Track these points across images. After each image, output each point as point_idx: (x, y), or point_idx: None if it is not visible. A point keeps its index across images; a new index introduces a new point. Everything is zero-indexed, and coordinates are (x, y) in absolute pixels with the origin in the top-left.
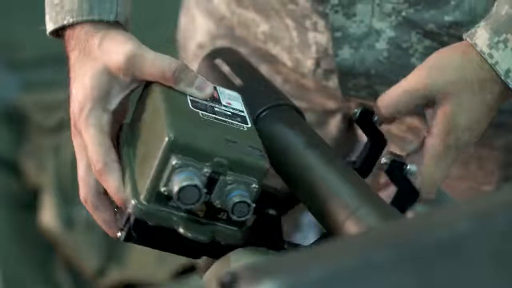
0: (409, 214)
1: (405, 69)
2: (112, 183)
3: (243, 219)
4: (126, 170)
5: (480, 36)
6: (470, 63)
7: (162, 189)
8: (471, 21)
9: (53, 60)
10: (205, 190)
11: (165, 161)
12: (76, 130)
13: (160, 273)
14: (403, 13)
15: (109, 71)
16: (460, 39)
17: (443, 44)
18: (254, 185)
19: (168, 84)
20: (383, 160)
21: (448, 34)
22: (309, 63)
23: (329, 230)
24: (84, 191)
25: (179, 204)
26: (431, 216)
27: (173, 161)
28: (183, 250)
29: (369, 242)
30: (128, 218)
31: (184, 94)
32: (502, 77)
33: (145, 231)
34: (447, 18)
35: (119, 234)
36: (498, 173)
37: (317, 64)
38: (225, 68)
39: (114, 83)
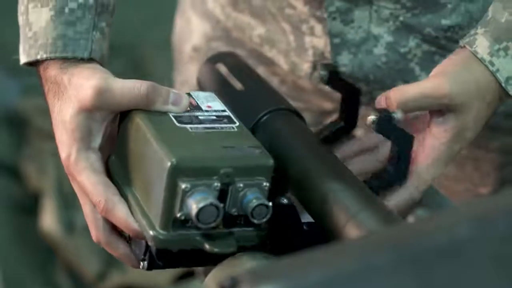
0: (410, 218)
1: (404, 74)
2: (120, 216)
3: (264, 220)
4: (131, 203)
5: (480, 43)
6: (484, 77)
7: (178, 214)
8: (468, 24)
9: None
10: (221, 205)
11: (173, 188)
12: (71, 176)
13: (161, 277)
14: (401, 18)
15: (84, 109)
16: (457, 42)
17: (441, 48)
18: (265, 184)
19: (144, 109)
20: (370, 118)
21: (445, 38)
22: (305, 67)
23: (329, 233)
24: (95, 232)
25: (199, 225)
26: (431, 220)
27: (182, 186)
28: (208, 261)
29: (369, 246)
30: (147, 248)
31: (165, 113)
32: (503, 84)
33: (169, 257)
34: (444, 21)
35: (141, 265)
36: (494, 174)
37: (314, 67)
38: (226, 73)
39: (92, 121)
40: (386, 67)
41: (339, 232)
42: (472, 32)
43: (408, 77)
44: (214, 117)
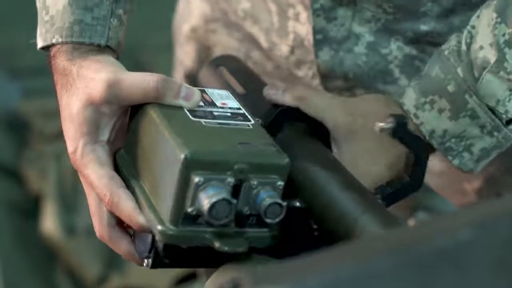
0: (411, 221)
1: (383, 75)
2: (125, 209)
3: (277, 220)
4: (138, 197)
5: (408, 96)
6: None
7: (189, 209)
8: (448, 32)
9: None
10: (234, 201)
11: (185, 181)
12: (78, 170)
13: (162, 280)
14: (382, 21)
15: (93, 103)
16: (435, 45)
17: (422, 52)
18: (279, 183)
19: (154, 102)
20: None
21: (426, 41)
22: (284, 49)
23: (331, 237)
24: (98, 226)
25: (211, 221)
26: (432, 223)
27: (195, 179)
28: (215, 262)
29: (369, 250)
30: (152, 245)
31: (179, 107)
32: (427, 138)
33: (176, 255)
34: (423, 27)
35: (145, 262)
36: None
37: (292, 51)
38: (228, 76)
39: (101, 114)
40: (366, 66)
41: (341, 236)
42: (407, 86)
43: (388, 79)
44: (229, 114)
